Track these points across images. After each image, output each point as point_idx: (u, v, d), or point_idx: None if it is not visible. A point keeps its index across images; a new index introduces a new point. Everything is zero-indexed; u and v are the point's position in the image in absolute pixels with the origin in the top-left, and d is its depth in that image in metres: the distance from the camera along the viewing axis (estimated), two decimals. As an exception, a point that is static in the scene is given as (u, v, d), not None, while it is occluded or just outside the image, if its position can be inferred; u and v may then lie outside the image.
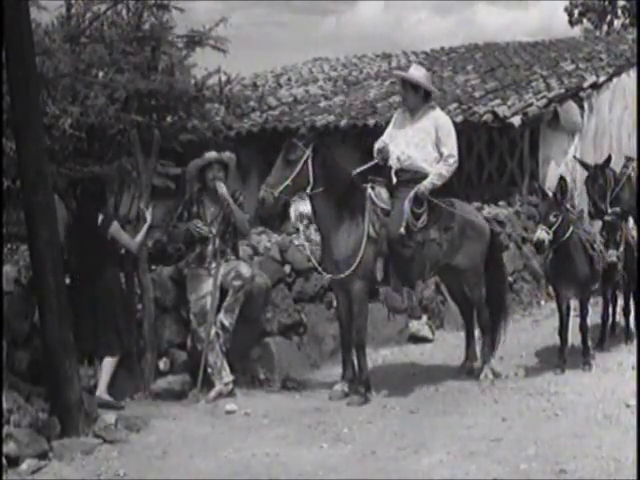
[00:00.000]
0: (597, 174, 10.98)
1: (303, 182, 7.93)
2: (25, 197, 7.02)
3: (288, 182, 7.85)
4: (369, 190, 8.26)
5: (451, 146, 8.37)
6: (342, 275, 8.00)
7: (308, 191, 7.97)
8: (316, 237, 9.22)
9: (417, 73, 8.52)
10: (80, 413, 6.99)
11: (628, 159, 11.89)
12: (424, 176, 8.31)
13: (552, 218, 8.50)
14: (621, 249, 9.36)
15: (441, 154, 8.34)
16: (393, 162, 8.36)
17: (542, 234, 8.41)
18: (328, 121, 15.24)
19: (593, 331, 9.68)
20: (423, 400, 8.11)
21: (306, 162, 7.92)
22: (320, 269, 8.36)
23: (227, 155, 8.59)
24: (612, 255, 9.20)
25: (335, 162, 8.18)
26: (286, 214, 9.54)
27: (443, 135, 8.35)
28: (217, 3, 56.28)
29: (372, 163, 8.46)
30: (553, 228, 8.46)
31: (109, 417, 7.19)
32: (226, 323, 8.27)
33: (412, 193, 8.21)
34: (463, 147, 13.26)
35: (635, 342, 9.80)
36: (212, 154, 8.56)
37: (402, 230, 8.04)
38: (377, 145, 8.46)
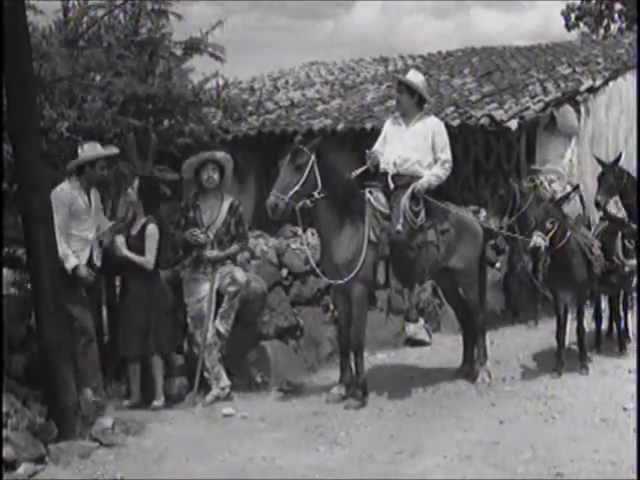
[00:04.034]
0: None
1: (311, 187, 7.95)
2: (22, 201, 7.03)
3: (298, 187, 7.87)
4: (367, 195, 8.29)
5: (448, 152, 8.51)
6: (343, 280, 8.01)
7: (316, 195, 7.97)
8: (314, 241, 9.23)
9: (414, 78, 8.59)
10: (77, 417, 6.99)
11: (533, 171, 11.83)
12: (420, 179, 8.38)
13: (548, 225, 8.51)
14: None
15: (436, 159, 8.42)
16: (389, 167, 8.40)
17: (538, 240, 8.42)
18: (325, 125, 15.23)
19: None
20: (420, 403, 8.12)
21: (312, 167, 7.94)
22: (320, 273, 8.37)
23: (221, 155, 8.58)
24: (633, 266, 9.24)
25: (336, 167, 8.21)
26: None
27: (440, 141, 8.47)
28: (214, 7, 56.47)
29: (363, 168, 8.51)
30: (549, 234, 8.48)
31: (106, 421, 7.19)
32: (222, 330, 8.27)
33: (409, 190, 8.27)
34: (460, 151, 13.31)
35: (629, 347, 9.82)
36: (206, 153, 8.58)
37: (399, 227, 8.08)
38: (367, 152, 8.56)
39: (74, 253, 7.76)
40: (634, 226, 9.42)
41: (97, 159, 8.00)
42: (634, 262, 9.22)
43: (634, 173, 11.58)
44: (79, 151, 8.00)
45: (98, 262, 8.01)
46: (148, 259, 8.13)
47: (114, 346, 8.24)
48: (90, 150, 8.02)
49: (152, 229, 8.18)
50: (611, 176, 10.87)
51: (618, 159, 11.38)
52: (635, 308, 10.29)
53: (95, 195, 8.13)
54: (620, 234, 9.34)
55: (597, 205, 10.63)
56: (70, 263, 7.67)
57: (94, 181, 8.10)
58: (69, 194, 7.81)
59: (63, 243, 7.60)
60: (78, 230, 7.84)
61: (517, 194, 10.96)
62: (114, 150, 8.40)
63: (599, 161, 11.45)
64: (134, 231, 8.22)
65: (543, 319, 11.48)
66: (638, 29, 25.24)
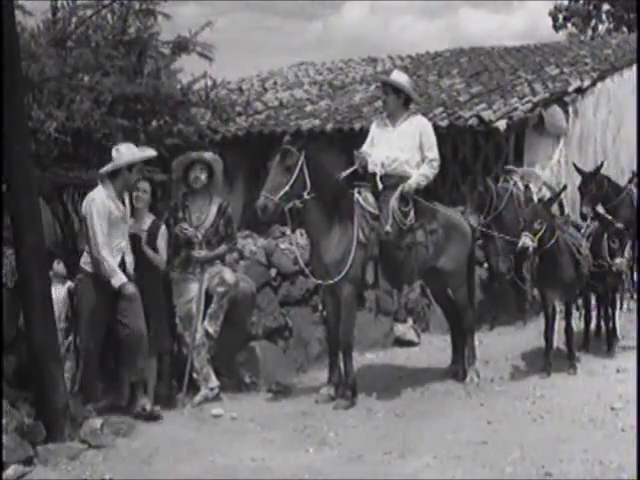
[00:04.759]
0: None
1: (300, 188, 7.95)
2: (11, 202, 7.01)
3: (287, 188, 7.86)
4: (356, 195, 8.30)
5: (435, 151, 8.52)
6: (332, 280, 8.02)
7: (305, 196, 7.97)
8: (302, 241, 9.23)
9: (399, 78, 8.61)
10: (66, 418, 6.97)
11: (508, 172, 11.89)
12: (409, 179, 8.39)
13: (536, 225, 8.53)
14: (626, 255, 9.37)
15: (424, 158, 8.44)
16: (377, 168, 8.41)
17: (526, 241, 8.44)
18: (314, 125, 15.23)
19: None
20: (409, 403, 8.13)
21: (302, 167, 7.94)
22: (309, 273, 8.37)
23: (210, 155, 8.56)
24: (622, 264, 9.23)
25: (325, 167, 8.21)
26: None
27: (428, 140, 8.48)
28: (203, 8, 56.48)
29: (352, 169, 8.52)
30: (538, 235, 8.50)
31: (95, 422, 7.18)
32: (210, 330, 8.25)
33: (398, 191, 8.28)
34: (448, 151, 13.33)
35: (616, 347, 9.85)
36: (194, 153, 8.56)
37: (388, 228, 8.09)
38: (355, 152, 8.57)
39: None
40: (619, 225, 9.43)
41: (135, 162, 7.79)
42: (620, 261, 9.21)
43: (618, 173, 11.68)
44: (114, 154, 7.72)
45: (131, 269, 7.80)
46: (164, 258, 8.12)
47: None
48: (129, 152, 7.78)
49: (164, 229, 8.17)
50: (593, 185, 10.98)
51: (599, 168, 11.48)
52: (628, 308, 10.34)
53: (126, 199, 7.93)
54: (606, 235, 9.36)
55: (583, 217, 10.68)
56: (118, 279, 7.52)
57: (128, 185, 7.85)
58: (107, 203, 7.60)
59: (109, 256, 7.52)
60: (115, 238, 7.67)
61: (494, 194, 11.02)
62: (152, 152, 8.15)
63: (578, 170, 11.56)
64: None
65: (531, 319, 11.51)
66: (638, 27, 25.34)
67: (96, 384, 7.78)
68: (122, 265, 7.72)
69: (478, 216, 10.55)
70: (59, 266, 7.82)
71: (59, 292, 7.74)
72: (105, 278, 7.57)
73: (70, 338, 7.82)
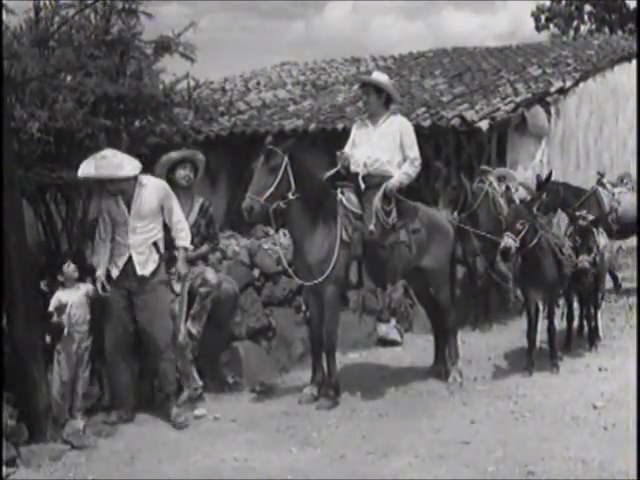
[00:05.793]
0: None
1: (285, 188, 7.95)
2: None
3: (272, 189, 7.86)
4: (340, 195, 8.32)
5: (416, 150, 8.56)
6: (316, 281, 8.02)
7: (290, 197, 7.97)
8: (285, 241, 9.24)
9: (379, 77, 8.66)
10: (48, 419, 6.96)
11: (483, 172, 11.96)
12: (391, 179, 8.42)
13: (519, 226, 8.56)
14: (592, 254, 9.41)
15: (405, 157, 8.46)
16: (360, 168, 8.43)
17: (509, 242, 8.47)
18: (297, 125, 15.23)
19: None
20: (392, 403, 8.14)
21: (286, 168, 7.94)
22: (292, 274, 8.38)
23: (200, 156, 8.59)
24: (584, 261, 9.25)
25: (309, 168, 8.22)
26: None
27: (409, 140, 8.52)
28: (185, 8, 56.42)
29: (335, 170, 8.54)
30: (520, 236, 8.53)
31: (77, 423, 7.17)
32: (193, 331, 8.23)
33: (380, 191, 8.31)
34: (431, 151, 13.36)
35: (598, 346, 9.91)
36: (186, 151, 8.56)
37: (372, 227, 8.11)
38: (338, 153, 8.59)
39: (112, 258, 7.65)
40: (582, 222, 9.48)
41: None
42: (582, 258, 9.25)
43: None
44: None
45: (142, 271, 7.65)
46: None
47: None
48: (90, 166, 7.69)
49: None
50: (544, 195, 11.04)
51: (548, 178, 11.59)
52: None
53: (161, 199, 7.78)
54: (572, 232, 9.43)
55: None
56: (97, 273, 7.64)
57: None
58: (108, 201, 7.68)
59: (100, 250, 7.66)
60: (118, 236, 7.68)
61: (468, 191, 11.06)
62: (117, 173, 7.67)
63: (537, 180, 11.64)
64: None
65: (514, 318, 11.55)
66: (637, 25, 25.47)
67: (124, 389, 7.81)
68: (130, 264, 7.66)
69: (451, 211, 10.59)
70: (69, 268, 7.71)
71: (73, 295, 7.63)
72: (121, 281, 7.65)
73: (88, 342, 7.76)
